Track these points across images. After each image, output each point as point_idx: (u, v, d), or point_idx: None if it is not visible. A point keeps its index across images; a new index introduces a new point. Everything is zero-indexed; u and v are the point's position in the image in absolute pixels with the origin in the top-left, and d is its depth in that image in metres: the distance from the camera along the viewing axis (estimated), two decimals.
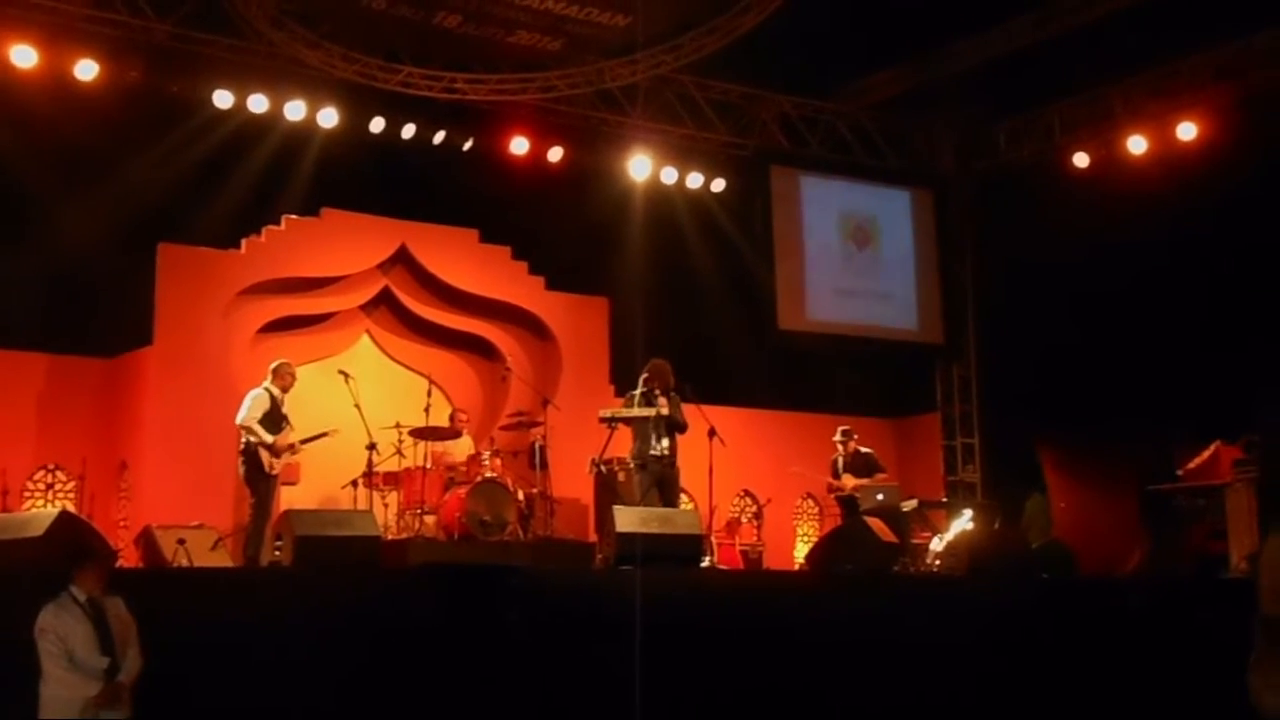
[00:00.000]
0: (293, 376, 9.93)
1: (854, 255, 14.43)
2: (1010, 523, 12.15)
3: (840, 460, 11.95)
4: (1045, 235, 12.94)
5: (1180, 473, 11.01)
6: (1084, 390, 12.74)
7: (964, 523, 11.81)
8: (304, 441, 9.85)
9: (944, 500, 13.49)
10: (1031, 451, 13.48)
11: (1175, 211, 11.90)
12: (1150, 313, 12.20)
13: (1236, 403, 10.78)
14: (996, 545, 9.56)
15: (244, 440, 9.66)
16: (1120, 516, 11.89)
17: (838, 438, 11.99)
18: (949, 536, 11.49)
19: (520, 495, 10.85)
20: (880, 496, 11.40)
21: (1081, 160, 13.41)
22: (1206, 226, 11.62)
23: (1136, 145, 12.96)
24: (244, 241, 11.95)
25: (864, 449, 12.06)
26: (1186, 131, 12.56)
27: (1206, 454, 10.89)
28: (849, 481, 11.80)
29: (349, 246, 12.36)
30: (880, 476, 11.92)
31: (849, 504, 11.75)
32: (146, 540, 8.23)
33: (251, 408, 9.67)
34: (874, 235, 14.54)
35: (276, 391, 9.79)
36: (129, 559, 8.87)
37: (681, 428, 9.67)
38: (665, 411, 9.49)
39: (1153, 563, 10.45)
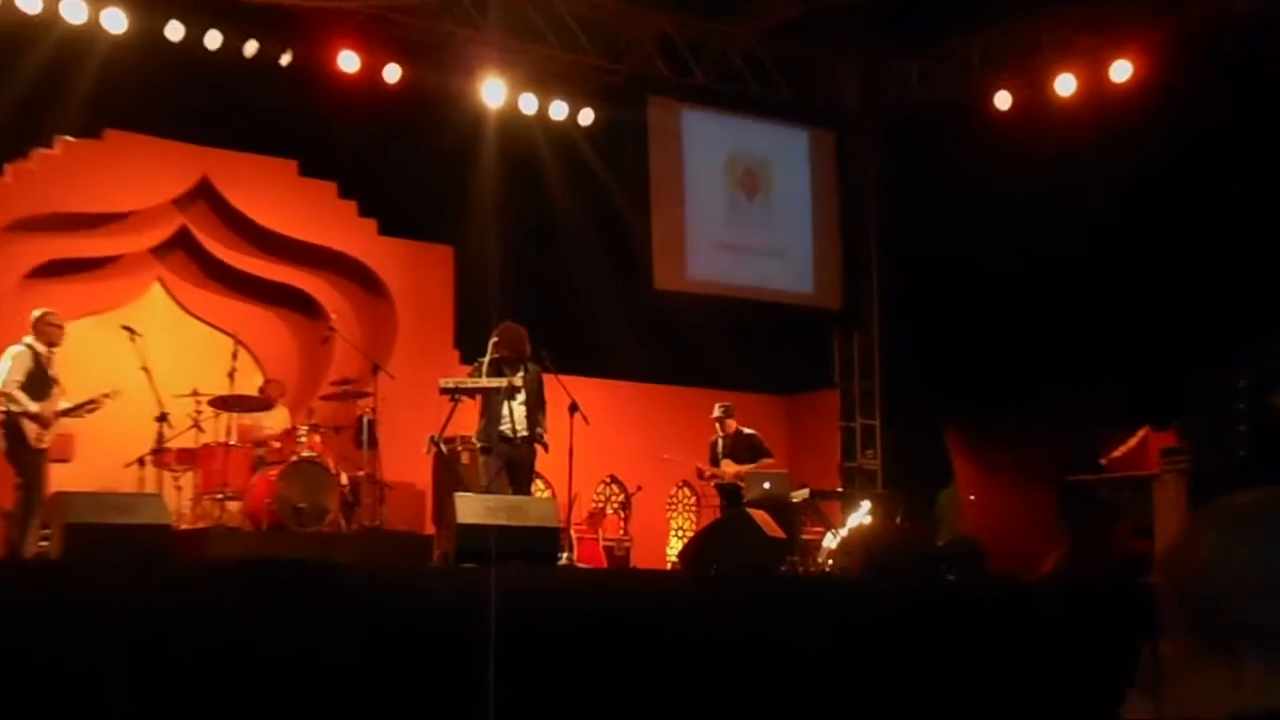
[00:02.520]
0: (59, 329, 9.67)
1: (742, 204, 14.55)
2: (914, 516, 12.42)
3: (719, 443, 12.07)
4: (961, 186, 13.21)
5: (1104, 462, 11.34)
6: (1000, 366, 13.05)
7: (861, 516, 12.02)
8: (64, 413, 9.60)
9: (839, 490, 13.72)
10: (940, 436, 13.77)
11: (1107, 162, 12.22)
12: (1076, 278, 12.53)
13: (1168, 384, 11.16)
14: (897, 541, 9.77)
15: (2, 410, 9.35)
16: (1036, 510, 12.21)
17: (716, 415, 12.10)
18: (844, 531, 11.69)
19: (344, 478, 10.78)
20: (766, 485, 11.54)
21: (1003, 101, 13.68)
22: (1142, 180, 11.95)
23: (1065, 85, 13.25)
24: (8, 167, 11.63)
25: (747, 430, 12.20)
26: (1121, 71, 12.87)
27: (1133, 441, 11.22)
28: (729, 468, 11.93)
29: (138, 176, 12.09)
30: (766, 462, 12.08)
31: (730, 494, 11.88)
32: None
33: (11, 369, 9.36)
34: (765, 182, 14.68)
35: (41, 348, 9.50)
36: None
37: (540, 403, 9.68)
38: (518, 383, 9.47)
39: (1070, 563, 10.77)
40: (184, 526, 10.06)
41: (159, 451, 10.39)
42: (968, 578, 9.36)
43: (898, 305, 14.72)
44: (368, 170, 12.89)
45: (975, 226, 13.17)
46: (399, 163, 12.89)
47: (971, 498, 13.42)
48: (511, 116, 13.43)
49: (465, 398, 9.55)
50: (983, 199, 13.00)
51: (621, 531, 13.43)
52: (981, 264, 13.23)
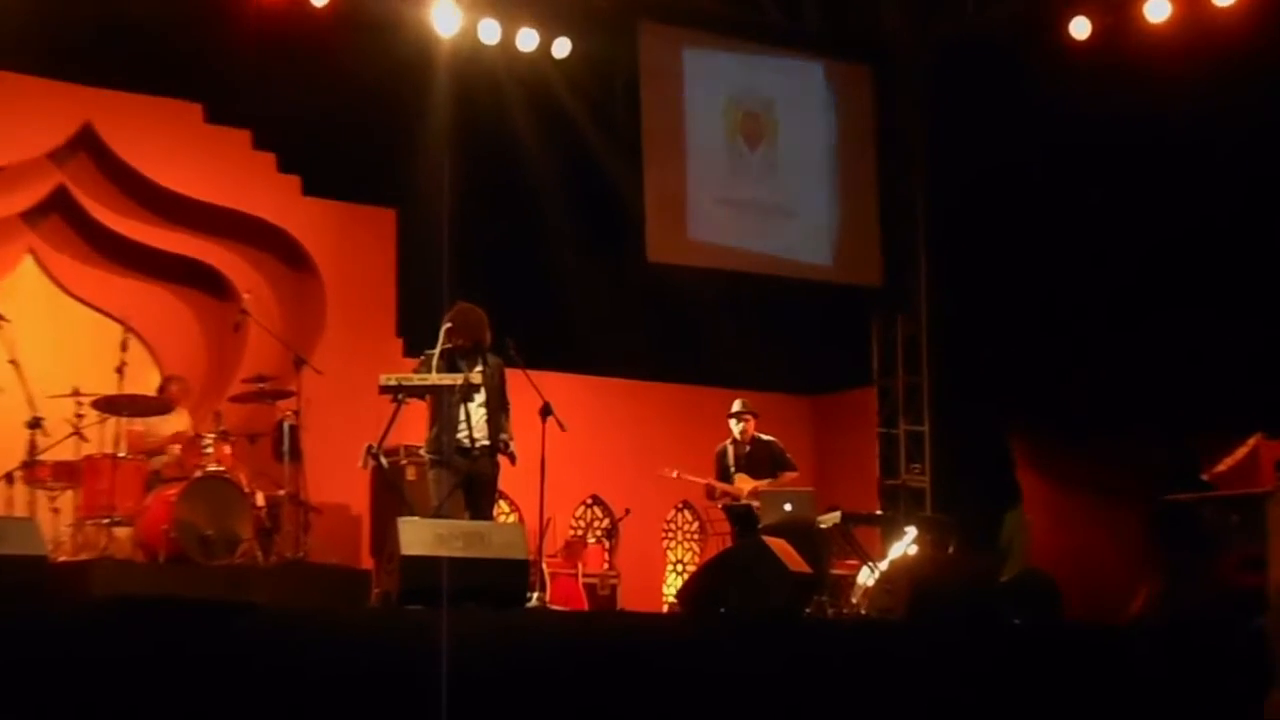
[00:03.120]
0: None
1: (744, 157, 14.51)
2: (971, 545, 12.39)
3: (731, 450, 12.06)
4: (1029, 134, 13.17)
5: (1206, 477, 11.34)
6: (1078, 359, 13.03)
7: (906, 545, 12.02)
8: None
9: (879, 513, 13.71)
10: (1004, 445, 13.74)
11: (1208, 103, 12.18)
12: (1172, 248, 12.50)
13: None
14: (951, 577, 9.75)
15: None
16: (1123, 537, 12.20)
17: (735, 411, 12.06)
18: (885, 565, 11.68)
19: (260, 499, 10.79)
20: (788, 507, 11.54)
21: (1080, 29, 13.65)
22: (1251, 124, 11.93)
23: (1157, 10, 13.24)
24: None
25: (765, 436, 12.19)
26: None
27: (1242, 452, 11.22)
28: (744, 484, 11.93)
29: (6, 123, 12.06)
30: (789, 477, 12.08)
31: (743, 518, 11.88)
32: None
33: None
34: (771, 128, 14.63)
35: None
36: None
37: (504, 405, 9.67)
38: (476, 380, 9.46)
39: (1166, 602, 10.76)
40: (62, 558, 10.04)
41: (31, 465, 10.36)
42: (1038, 621, 9.35)
43: (952, 282, 14.68)
44: (290, 116, 12.81)
45: (1046, 185, 13.13)
46: (329, 107, 12.76)
47: (1031, 519, 13.41)
48: (469, 48, 13.37)
49: (411, 398, 9.52)
50: (1056, 150, 12.96)
51: (606, 565, 13.42)
52: (1055, 231, 13.19)
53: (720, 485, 12.14)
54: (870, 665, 7.96)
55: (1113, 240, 12.91)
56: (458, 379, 9.42)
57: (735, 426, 12.15)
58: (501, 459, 9.67)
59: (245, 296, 12.29)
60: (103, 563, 9.96)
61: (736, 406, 12.22)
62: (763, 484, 11.90)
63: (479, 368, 9.58)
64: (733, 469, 12.05)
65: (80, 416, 10.68)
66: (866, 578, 11.58)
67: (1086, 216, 13.02)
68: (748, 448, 12.09)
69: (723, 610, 8.52)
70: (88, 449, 10.69)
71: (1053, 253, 13.28)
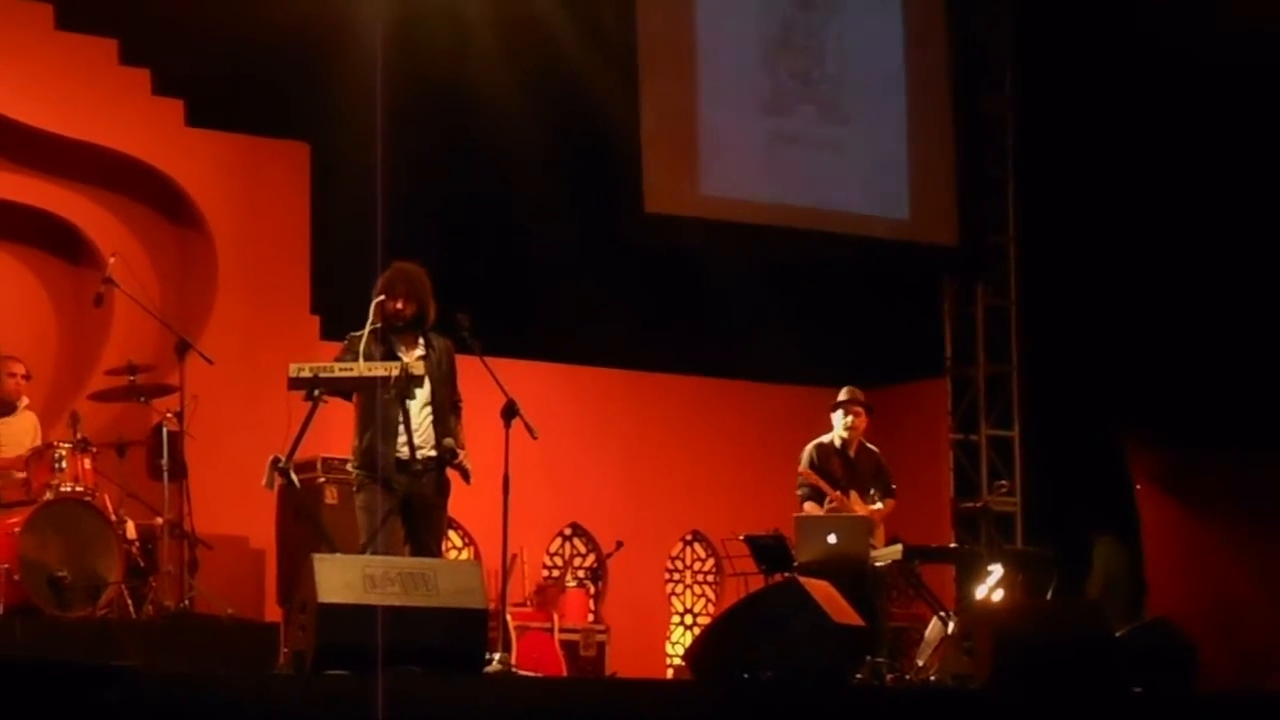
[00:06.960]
0: None
1: (778, 68, 14.51)
2: (1075, 588, 12.43)
3: (832, 456, 11.77)
4: (1151, 54, 13.14)
5: None
6: (1215, 346, 13.02)
7: (990, 588, 12.01)
8: None
9: (953, 547, 13.71)
10: (1118, 457, 13.76)
11: None
12: None
13: None
14: (1047, 630, 9.74)
15: None
16: (1277, 580, 12.24)
17: (841, 406, 11.84)
18: (962, 614, 11.67)
19: (130, 530, 10.80)
20: (832, 538, 11.49)
21: None
22: None
23: None
24: None
25: (870, 445, 11.96)
26: None
27: None
28: (858, 506, 11.60)
29: None
30: (890, 506, 11.84)
31: (772, 552, 11.83)
32: None
33: None
34: (819, 41, 14.64)
35: None
36: None
37: (454, 402, 9.66)
38: (419, 370, 9.44)
39: None
40: None
41: None
42: (1166, 688, 9.34)
43: (1051, 240, 14.66)
44: (168, 19, 12.82)
45: (1175, 120, 13.11)
46: (221, 8, 12.82)
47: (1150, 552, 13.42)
48: None
49: (332, 395, 9.50)
50: (1188, 75, 12.93)
51: (590, 616, 13.42)
52: (1185, 180, 13.16)
53: (835, 494, 11.79)
54: None
55: (1262, 195, 12.88)
56: (393, 368, 9.37)
57: (843, 421, 11.93)
58: (451, 475, 9.65)
59: (110, 260, 12.26)
60: None
61: (845, 395, 11.99)
62: (877, 511, 11.72)
63: (420, 351, 9.54)
64: (841, 481, 11.78)
65: None
66: (937, 632, 11.57)
67: (1228, 163, 12.98)
68: (853, 454, 11.88)
69: (746, 676, 8.51)
70: None
71: (1183, 209, 13.25)
